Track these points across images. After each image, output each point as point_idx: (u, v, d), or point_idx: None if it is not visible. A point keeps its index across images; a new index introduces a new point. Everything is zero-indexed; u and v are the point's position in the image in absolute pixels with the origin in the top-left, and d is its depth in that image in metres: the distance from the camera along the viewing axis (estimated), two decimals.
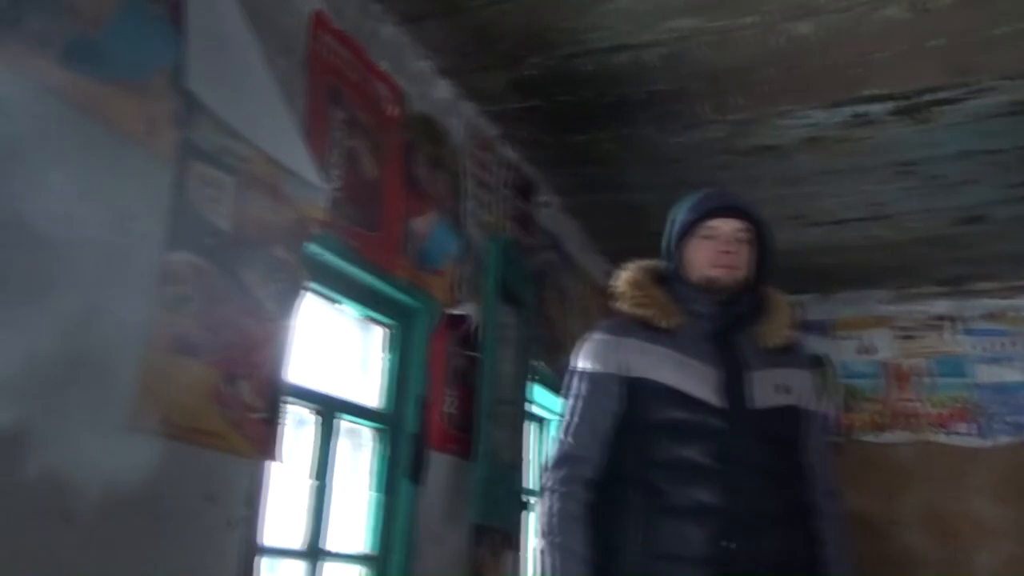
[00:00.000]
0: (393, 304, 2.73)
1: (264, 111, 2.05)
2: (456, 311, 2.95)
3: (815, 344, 4.93)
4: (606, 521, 1.84)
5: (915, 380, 4.90)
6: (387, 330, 2.79)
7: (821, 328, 5.07)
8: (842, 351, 5.08)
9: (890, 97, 2.97)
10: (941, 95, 2.94)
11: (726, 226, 1.95)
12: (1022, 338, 4.76)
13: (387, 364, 2.76)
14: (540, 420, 4.10)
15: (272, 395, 2.02)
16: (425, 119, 2.90)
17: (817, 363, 4.84)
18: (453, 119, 3.09)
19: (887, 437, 4.89)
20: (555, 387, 3.66)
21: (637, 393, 1.89)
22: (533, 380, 3.51)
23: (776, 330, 1.97)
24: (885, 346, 5.01)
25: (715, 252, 1.93)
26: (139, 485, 1.64)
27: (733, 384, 1.86)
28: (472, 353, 3.03)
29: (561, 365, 3.71)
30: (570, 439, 1.91)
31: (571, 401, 1.96)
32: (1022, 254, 4.37)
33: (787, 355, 1.97)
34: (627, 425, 1.90)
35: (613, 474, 1.88)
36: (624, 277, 2.02)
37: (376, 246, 2.52)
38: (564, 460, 1.90)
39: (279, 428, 2.04)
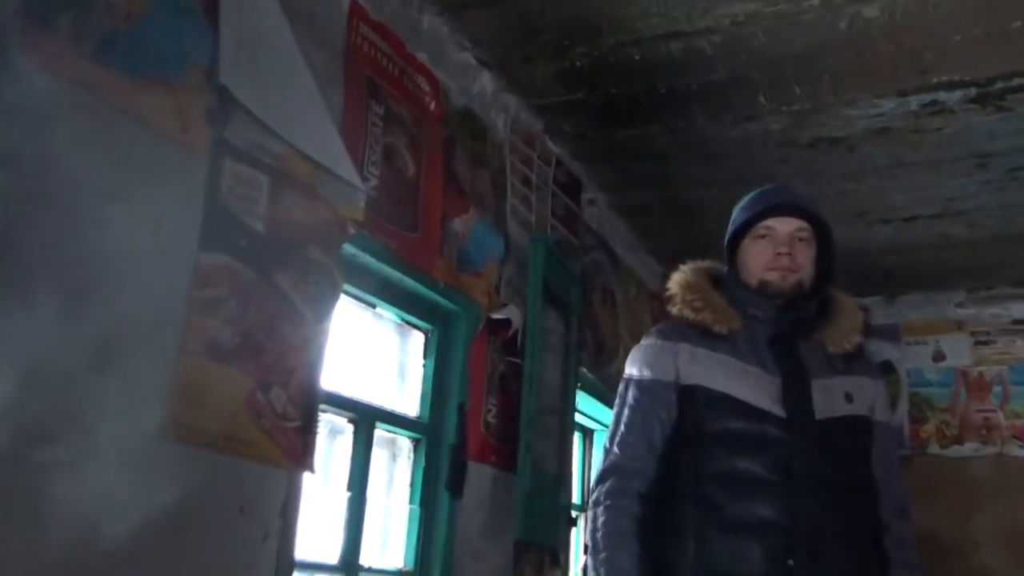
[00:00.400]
0: (432, 307, 2.75)
1: (300, 107, 2.08)
2: (498, 315, 2.96)
3: (880, 350, 4.86)
4: (659, 537, 1.84)
5: (992, 388, 4.81)
6: (425, 335, 2.81)
7: (888, 333, 4.99)
8: (911, 357, 5.00)
9: (965, 84, 2.92)
10: (1020, 81, 2.88)
11: (783, 226, 1.93)
12: None
13: (425, 371, 2.78)
14: (587, 431, 4.10)
15: (307, 403, 2.04)
16: (466, 113, 2.91)
17: (885, 370, 4.77)
18: (495, 113, 3.10)
19: (961, 450, 4.81)
20: (602, 396, 3.66)
21: (691, 401, 1.88)
22: (579, 388, 3.51)
23: (843, 335, 1.94)
24: (959, 352, 4.92)
25: (771, 254, 1.91)
26: (170, 495, 1.67)
27: (795, 392, 1.84)
28: (514, 359, 3.04)
29: (609, 372, 3.74)
30: (619, 449, 1.91)
31: (620, 409, 1.96)
32: None
33: (854, 362, 1.95)
34: (681, 435, 1.89)
35: (666, 487, 1.88)
36: (677, 279, 2.01)
37: (414, 247, 2.55)
38: (612, 471, 1.90)
39: (314, 437, 2.06)
